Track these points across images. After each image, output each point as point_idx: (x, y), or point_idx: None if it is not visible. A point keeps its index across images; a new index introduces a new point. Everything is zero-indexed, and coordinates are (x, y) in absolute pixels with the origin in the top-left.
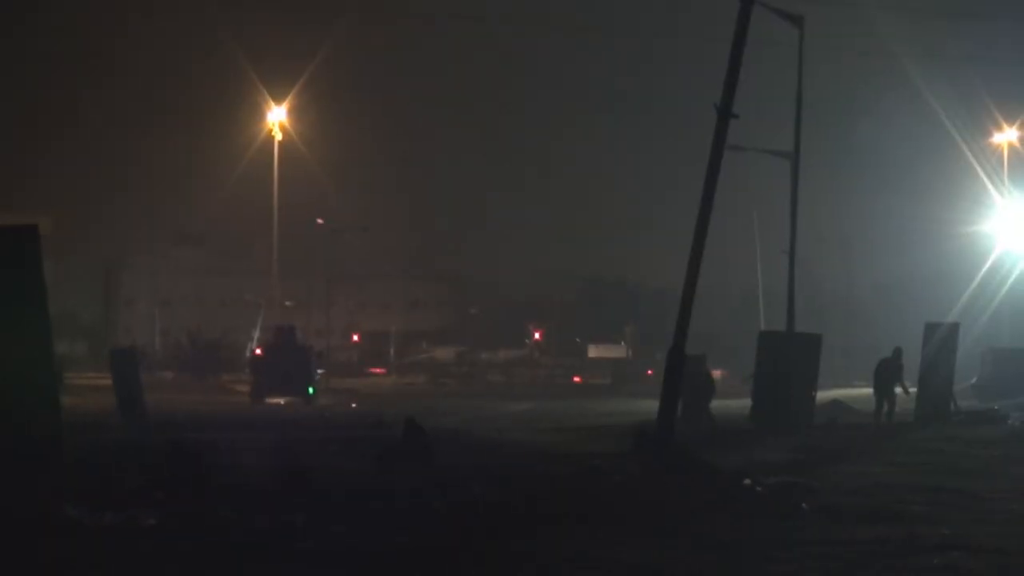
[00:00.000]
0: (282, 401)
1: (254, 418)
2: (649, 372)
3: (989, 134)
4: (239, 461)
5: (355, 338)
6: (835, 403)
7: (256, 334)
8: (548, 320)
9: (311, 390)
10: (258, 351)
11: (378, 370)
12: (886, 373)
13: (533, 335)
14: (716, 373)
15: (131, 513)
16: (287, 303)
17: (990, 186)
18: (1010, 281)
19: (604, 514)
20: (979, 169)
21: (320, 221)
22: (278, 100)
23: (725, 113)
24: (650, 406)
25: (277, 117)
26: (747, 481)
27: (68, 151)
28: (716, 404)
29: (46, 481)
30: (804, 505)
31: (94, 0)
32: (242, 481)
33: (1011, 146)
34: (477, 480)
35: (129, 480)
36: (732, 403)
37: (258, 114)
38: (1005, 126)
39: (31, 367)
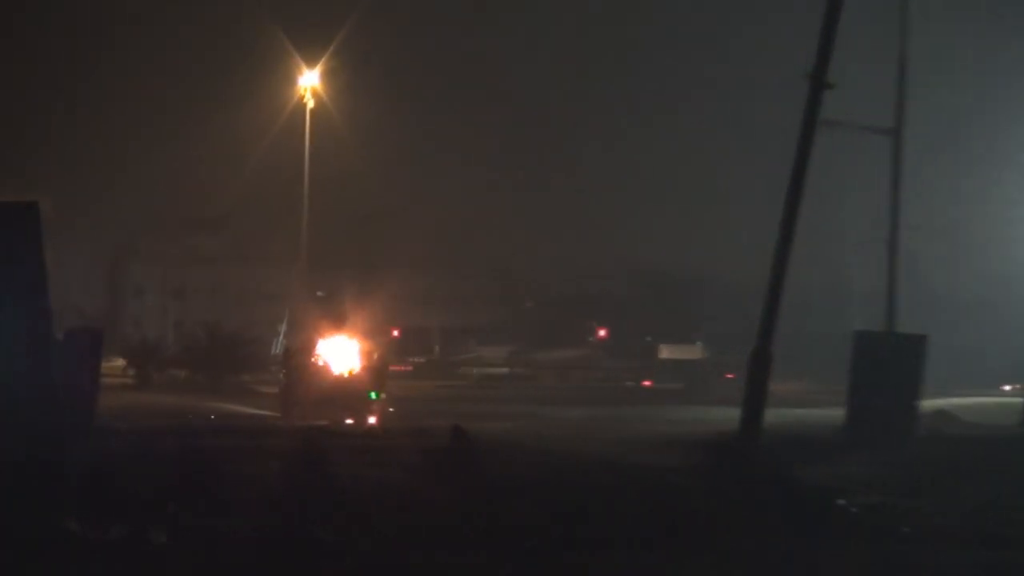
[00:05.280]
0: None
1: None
2: (729, 376)
3: None
4: (261, 470)
5: (395, 333)
6: (940, 413)
7: (283, 328)
8: (614, 316)
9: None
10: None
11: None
12: None
13: (597, 333)
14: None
15: (140, 528)
16: (318, 294)
17: None
18: None
19: (670, 535)
20: None
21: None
22: (310, 64)
23: (819, 82)
24: (730, 414)
25: (309, 82)
26: (840, 501)
27: (70, 125)
28: (803, 413)
29: (44, 490)
30: (905, 528)
31: None
32: (264, 493)
33: None
34: (526, 495)
35: (138, 490)
36: (823, 413)
37: (286, 83)
38: None
39: (30, 361)
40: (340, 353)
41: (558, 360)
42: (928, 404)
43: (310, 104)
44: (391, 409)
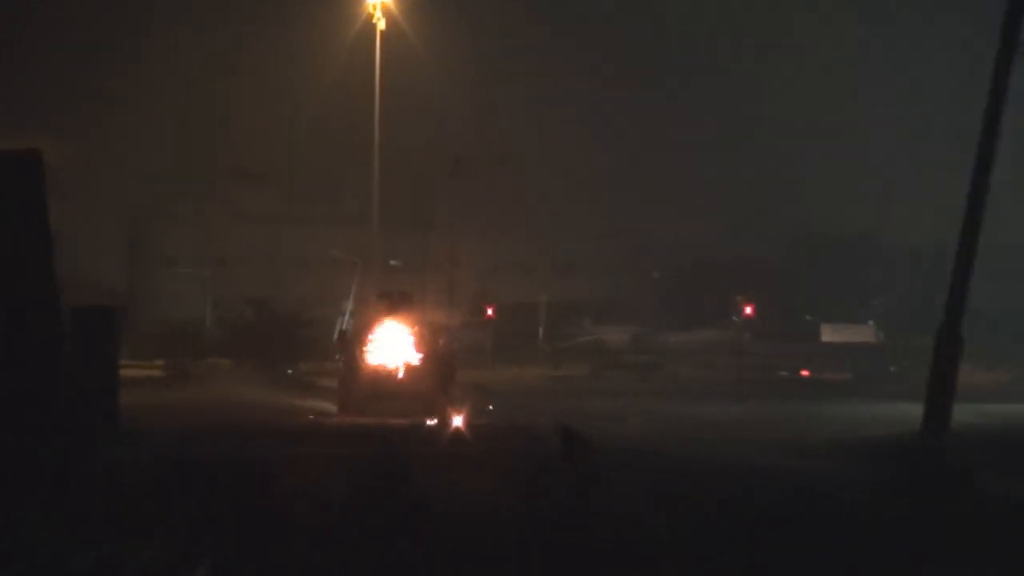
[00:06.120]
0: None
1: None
2: (908, 363)
3: None
4: (329, 483)
5: (489, 312)
6: None
7: (349, 306)
8: (762, 290)
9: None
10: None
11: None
12: None
13: (742, 310)
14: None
15: (178, 551)
16: (392, 263)
17: None
18: None
19: (831, 563)
20: None
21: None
22: None
23: None
24: (910, 412)
25: None
26: None
27: (87, 59)
28: (1001, 409)
29: (48, 511)
30: None
31: None
32: (333, 511)
33: None
34: (652, 511)
35: (170, 512)
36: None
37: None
38: None
39: (35, 348)
40: (401, 338)
41: (694, 345)
42: None
43: (381, 25)
44: (490, 407)
